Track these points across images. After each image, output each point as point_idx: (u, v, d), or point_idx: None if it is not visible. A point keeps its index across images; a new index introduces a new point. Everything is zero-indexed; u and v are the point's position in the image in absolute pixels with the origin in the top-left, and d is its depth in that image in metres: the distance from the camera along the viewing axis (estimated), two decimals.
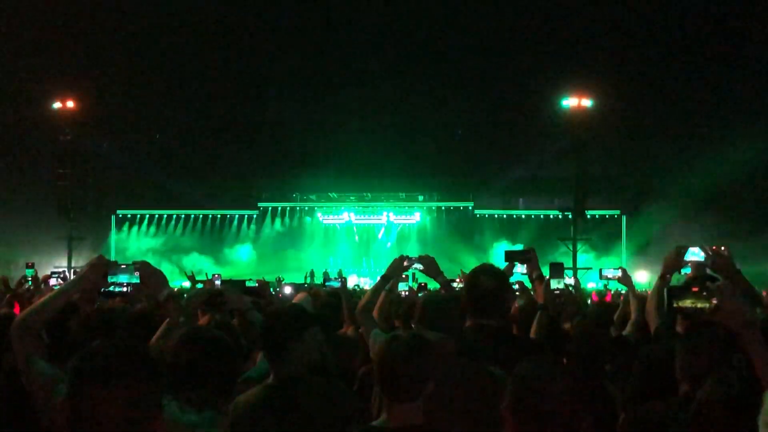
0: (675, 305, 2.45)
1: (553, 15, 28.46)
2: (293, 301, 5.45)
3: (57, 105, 28.18)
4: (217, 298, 4.07)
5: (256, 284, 9.62)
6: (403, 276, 4.84)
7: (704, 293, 2.39)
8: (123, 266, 3.31)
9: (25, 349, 2.86)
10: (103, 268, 3.19)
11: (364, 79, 30.21)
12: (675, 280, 4.13)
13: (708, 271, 3.92)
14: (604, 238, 32.76)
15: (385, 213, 34.59)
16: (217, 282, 6.26)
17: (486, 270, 3.74)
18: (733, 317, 2.36)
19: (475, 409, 3.12)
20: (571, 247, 28.89)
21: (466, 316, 3.63)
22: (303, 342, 3.21)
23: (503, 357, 3.21)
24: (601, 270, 5.73)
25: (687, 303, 2.43)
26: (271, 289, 11.93)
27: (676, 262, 4.00)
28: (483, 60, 30.60)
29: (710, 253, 3.92)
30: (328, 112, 31.60)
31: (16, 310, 4.69)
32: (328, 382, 3.23)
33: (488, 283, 3.59)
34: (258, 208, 35.16)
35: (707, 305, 2.39)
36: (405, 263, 4.51)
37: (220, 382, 2.78)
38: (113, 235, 34.65)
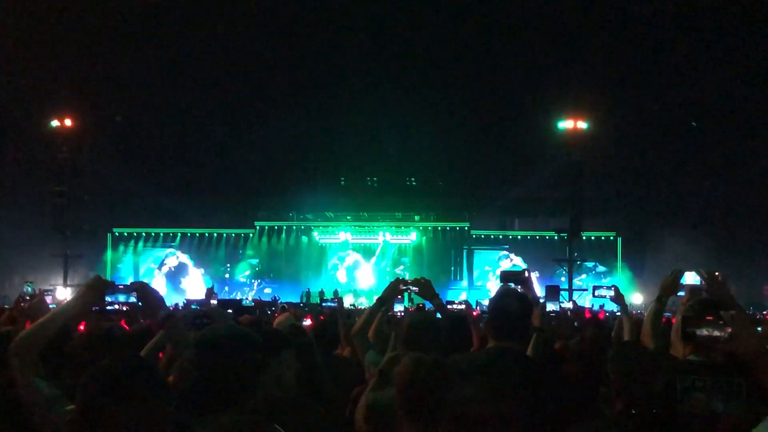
0: (689, 332, 2.48)
1: (549, 37, 28.63)
2: (276, 322, 5.46)
3: (55, 123, 28.20)
4: (203, 319, 4.14)
5: (252, 303, 9.63)
6: (398, 297, 4.86)
7: (720, 322, 2.43)
8: (120, 287, 3.33)
9: (24, 369, 2.87)
10: (100, 289, 3.22)
11: (361, 99, 30.29)
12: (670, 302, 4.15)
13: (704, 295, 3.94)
14: (600, 259, 32.84)
15: (381, 233, 34.57)
16: (214, 302, 6.28)
17: (510, 293, 3.80)
18: (748, 345, 2.39)
19: None
20: (566, 269, 28.91)
21: (488, 338, 3.67)
22: (274, 365, 3.19)
23: (524, 381, 3.22)
24: (594, 288, 5.74)
25: (702, 331, 2.46)
26: (267, 310, 11.93)
27: (673, 285, 4.03)
28: (479, 82, 30.78)
29: (706, 277, 3.94)
30: (324, 133, 31.67)
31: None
32: (300, 405, 3.21)
33: (513, 306, 3.62)
34: (254, 227, 35.12)
35: (722, 334, 2.42)
36: (401, 286, 4.53)
37: None
38: (109, 254, 34.58)
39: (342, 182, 32.28)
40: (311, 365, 4.11)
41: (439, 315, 5.17)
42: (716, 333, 2.44)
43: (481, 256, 34.61)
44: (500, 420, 2.12)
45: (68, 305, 3.21)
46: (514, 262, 33.47)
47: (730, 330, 2.41)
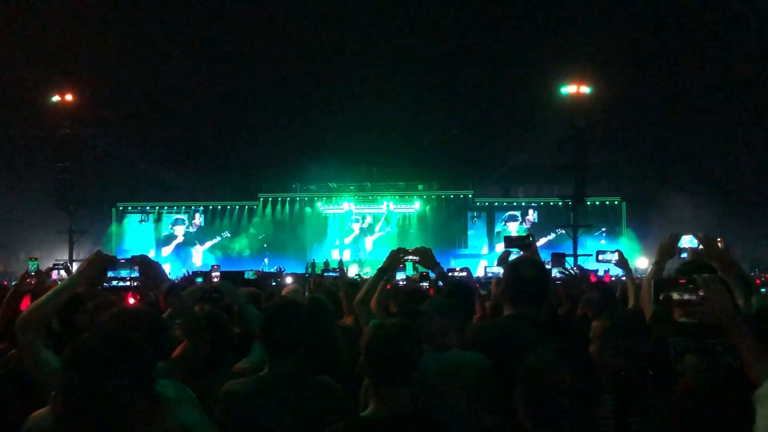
0: (662, 296, 2.51)
1: (552, 2, 28.37)
2: (283, 293, 5.50)
3: (56, 98, 28.16)
4: (213, 293, 4.16)
5: (255, 276, 9.67)
6: (401, 266, 4.90)
7: (690, 285, 2.46)
8: (122, 261, 3.38)
9: (30, 343, 2.94)
10: (101, 263, 3.28)
11: (362, 68, 30.14)
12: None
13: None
14: (605, 224, 32.86)
15: (385, 203, 34.62)
16: (216, 274, 6.32)
17: (527, 260, 3.83)
18: (718, 309, 2.42)
19: (457, 396, 3.18)
20: (571, 234, 28.96)
21: (504, 306, 3.71)
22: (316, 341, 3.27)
23: (531, 345, 3.26)
24: (597, 253, 5.72)
25: (674, 294, 2.49)
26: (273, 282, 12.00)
27: (670, 248, 4.06)
28: (480, 48, 30.55)
29: (702, 240, 3.97)
30: (327, 103, 31.55)
31: (24, 305, 4.73)
32: (321, 381, 3.27)
33: (530, 272, 3.66)
34: (258, 199, 35.17)
35: (693, 297, 2.45)
36: (401, 255, 4.58)
37: None
38: (114, 228, 34.71)
39: (345, 153, 32.12)
40: (332, 339, 4.19)
41: (441, 283, 5.22)
42: (687, 296, 2.47)
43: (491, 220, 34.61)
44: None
45: (70, 280, 3.26)
46: (529, 218, 33.67)
47: (702, 293, 2.43)
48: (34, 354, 2.95)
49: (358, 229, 34.91)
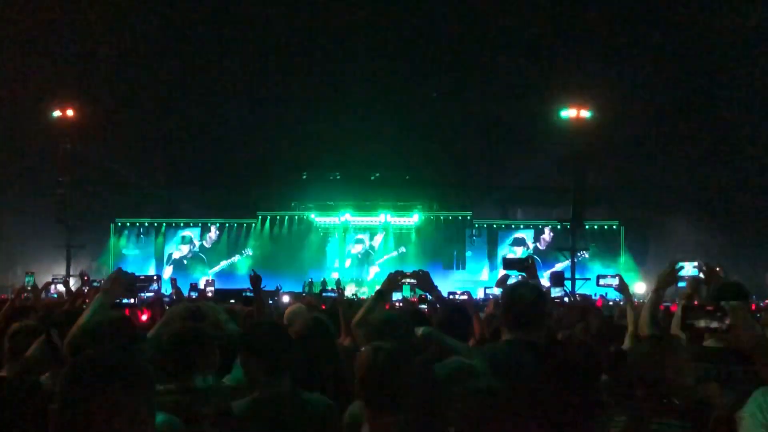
0: (690, 323, 2.51)
1: (553, 26, 28.52)
2: (287, 312, 5.51)
3: (57, 113, 28.23)
4: (195, 312, 4.25)
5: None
6: (398, 288, 4.91)
7: (718, 314, 2.45)
8: (142, 278, 3.51)
9: None
10: (124, 281, 3.49)
11: (362, 88, 30.25)
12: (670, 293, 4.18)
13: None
14: (604, 248, 32.85)
15: (382, 214, 34.47)
16: (210, 289, 6.31)
17: (524, 284, 3.82)
18: (745, 338, 2.42)
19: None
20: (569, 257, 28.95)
21: (502, 331, 3.69)
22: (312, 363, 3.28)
23: (539, 373, 3.25)
24: (598, 277, 5.72)
25: (701, 322, 2.49)
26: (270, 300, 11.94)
27: (670, 277, 4.06)
28: (481, 70, 30.68)
29: (705, 270, 3.98)
30: (325, 124, 31.57)
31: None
32: (315, 399, 3.26)
33: (527, 295, 3.63)
34: (257, 217, 35.18)
35: (720, 325, 2.45)
36: (399, 278, 4.58)
37: None
38: (112, 243, 34.65)
39: (338, 176, 32.15)
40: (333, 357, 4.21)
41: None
42: (714, 324, 2.47)
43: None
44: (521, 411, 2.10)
45: (99, 302, 3.44)
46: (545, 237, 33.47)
47: (728, 321, 2.43)
48: None
49: (360, 251, 34.77)
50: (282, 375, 3.22)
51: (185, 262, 35.14)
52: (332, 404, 3.25)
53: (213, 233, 35.40)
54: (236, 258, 34.94)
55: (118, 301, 3.52)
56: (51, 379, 3.52)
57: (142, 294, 3.54)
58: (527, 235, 34.17)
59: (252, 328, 3.50)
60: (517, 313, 3.62)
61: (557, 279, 4.57)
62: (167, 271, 34.05)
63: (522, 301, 3.62)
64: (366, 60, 30.09)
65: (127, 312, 5.62)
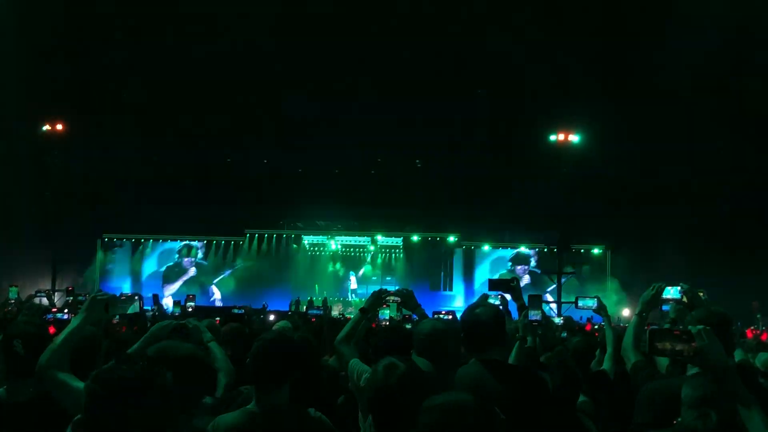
0: (656, 346, 2.54)
1: (541, 50, 28.68)
2: (273, 328, 5.53)
3: (45, 127, 28.22)
4: (181, 330, 4.27)
5: (242, 312, 9.63)
6: (384, 306, 4.93)
7: (684, 336, 2.49)
8: (123, 297, 3.57)
9: (54, 382, 3.15)
10: (104, 302, 3.50)
11: (351, 110, 30.31)
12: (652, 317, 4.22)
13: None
14: (590, 272, 32.95)
15: (371, 235, 34.69)
16: (191, 305, 6.32)
17: (480, 303, 3.83)
18: (712, 361, 2.46)
19: None
20: (555, 280, 29.01)
21: (466, 353, 3.68)
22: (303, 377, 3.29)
23: (506, 393, 3.26)
24: (577, 299, 5.71)
25: (667, 345, 2.52)
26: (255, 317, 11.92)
27: (653, 300, 4.10)
28: (468, 94, 30.76)
29: (686, 292, 4.02)
30: (317, 141, 31.58)
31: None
32: (309, 413, 3.28)
33: (483, 316, 3.63)
34: (244, 235, 35.12)
35: (686, 348, 2.48)
36: (384, 296, 4.61)
37: None
38: (99, 258, 34.47)
39: (328, 196, 32.11)
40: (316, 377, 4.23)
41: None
42: (679, 347, 2.51)
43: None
44: None
45: (76, 324, 3.43)
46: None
47: (695, 345, 2.47)
48: (63, 388, 3.13)
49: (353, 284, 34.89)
50: (276, 388, 3.25)
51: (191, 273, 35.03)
52: (328, 422, 3.26)
53: (201, 250, 35.35)
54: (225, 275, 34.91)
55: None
56: (7, 391, 3.55)
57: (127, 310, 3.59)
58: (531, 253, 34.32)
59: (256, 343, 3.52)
60: (474, 333, 3.63)
61: (535, 300, 4.58)
62: (171, 288, 33.95)
63: (478, 321, 3.63)
64: (352, 80, 30.11)
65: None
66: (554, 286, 29.36)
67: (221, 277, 34.92)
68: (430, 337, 3.58)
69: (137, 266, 35.11)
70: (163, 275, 35.01)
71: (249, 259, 34.90)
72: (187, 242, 35.36)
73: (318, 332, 5.86)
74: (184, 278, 35.05)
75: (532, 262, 34.06)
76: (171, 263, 35.44)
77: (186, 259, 35.40)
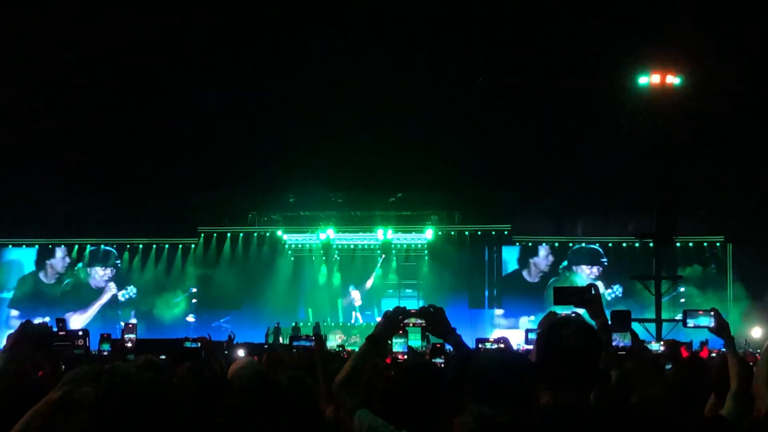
0: None
1: None
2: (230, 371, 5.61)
3: None
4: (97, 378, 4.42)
5: (198, 345, 9.74)
6: (399, 332, 4.96)
7: None
8: (62, 334, 3.92)
9: None
10: (29, 335, 3.93)
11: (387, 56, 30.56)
12: None
13: None
14: (703, 275, 32.94)
15: (380, 230, 34.25)
16: (131, 337, 6.40)
17: (568, 321, 3.77)
18: None
19: None
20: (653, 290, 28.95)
21: (541, 389, 3.66)
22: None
23: None
24: (685, 314, 5.68)
25: None
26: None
27: None
28: (526, 24, 30.77)
29: None
30: (299, 95, 31.65)
31: None
32: None
33: (573, 341, 3.60)
34: (198, 235, 35.15)
35: None
36: (401, 318, 4.61)
37: None
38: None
39: (317, 177, 31.98)
40: None
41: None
42: None
43: None
44: None
45: (6, 356, 3.89)
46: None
47: None
48: None
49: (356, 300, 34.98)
50: None
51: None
52: None
53: (136, 257, 35.51)
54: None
55: None
56: None
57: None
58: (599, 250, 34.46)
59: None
60: (558, 365, 3.60)
61: (620, 319, 4.51)
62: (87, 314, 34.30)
63: (564, 347, 3.60)
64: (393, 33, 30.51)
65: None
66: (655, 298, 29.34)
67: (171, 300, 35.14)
68: (498, 375, 3.62)
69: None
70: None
71: (204, 267, 35.01)
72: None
73: (311, 368, 5.92)
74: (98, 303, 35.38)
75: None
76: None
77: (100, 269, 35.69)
